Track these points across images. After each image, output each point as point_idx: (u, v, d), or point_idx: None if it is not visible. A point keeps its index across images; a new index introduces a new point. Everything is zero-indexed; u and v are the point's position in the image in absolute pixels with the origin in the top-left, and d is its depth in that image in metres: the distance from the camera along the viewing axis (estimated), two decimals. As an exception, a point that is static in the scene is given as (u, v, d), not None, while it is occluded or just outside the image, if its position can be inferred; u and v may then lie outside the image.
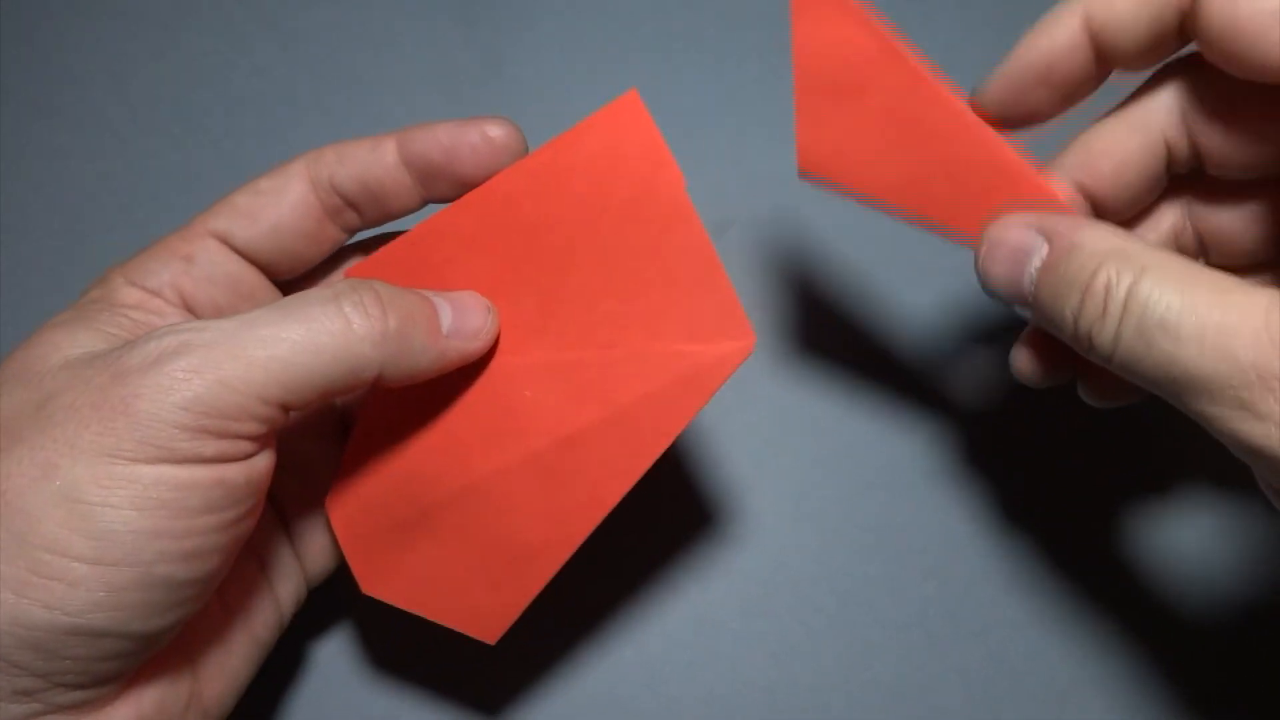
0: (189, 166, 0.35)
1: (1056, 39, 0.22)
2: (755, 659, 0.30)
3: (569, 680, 0.30)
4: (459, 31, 0.36)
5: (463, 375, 0.24)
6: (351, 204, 0.25)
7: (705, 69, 0.36)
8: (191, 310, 0.24)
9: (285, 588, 0.26)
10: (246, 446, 0.20)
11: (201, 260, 0.24)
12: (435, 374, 0.23)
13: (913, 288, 0.33)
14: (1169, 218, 0.25)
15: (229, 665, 0.24)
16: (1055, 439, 0.31)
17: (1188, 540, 0.30)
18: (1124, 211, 0.24)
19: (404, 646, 0.30)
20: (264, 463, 0.21)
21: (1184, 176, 0.24)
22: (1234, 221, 0.24)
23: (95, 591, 0.19)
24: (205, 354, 0.19)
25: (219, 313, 0.24)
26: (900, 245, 0.33)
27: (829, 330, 0.33)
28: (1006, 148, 0.23)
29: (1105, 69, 0.22)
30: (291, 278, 0.26)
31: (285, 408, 0.20)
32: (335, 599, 0.30)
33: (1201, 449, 0.28)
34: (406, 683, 0.29)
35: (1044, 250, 0.21)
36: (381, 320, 0.21)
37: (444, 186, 0.25)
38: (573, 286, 0.23)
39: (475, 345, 0.23)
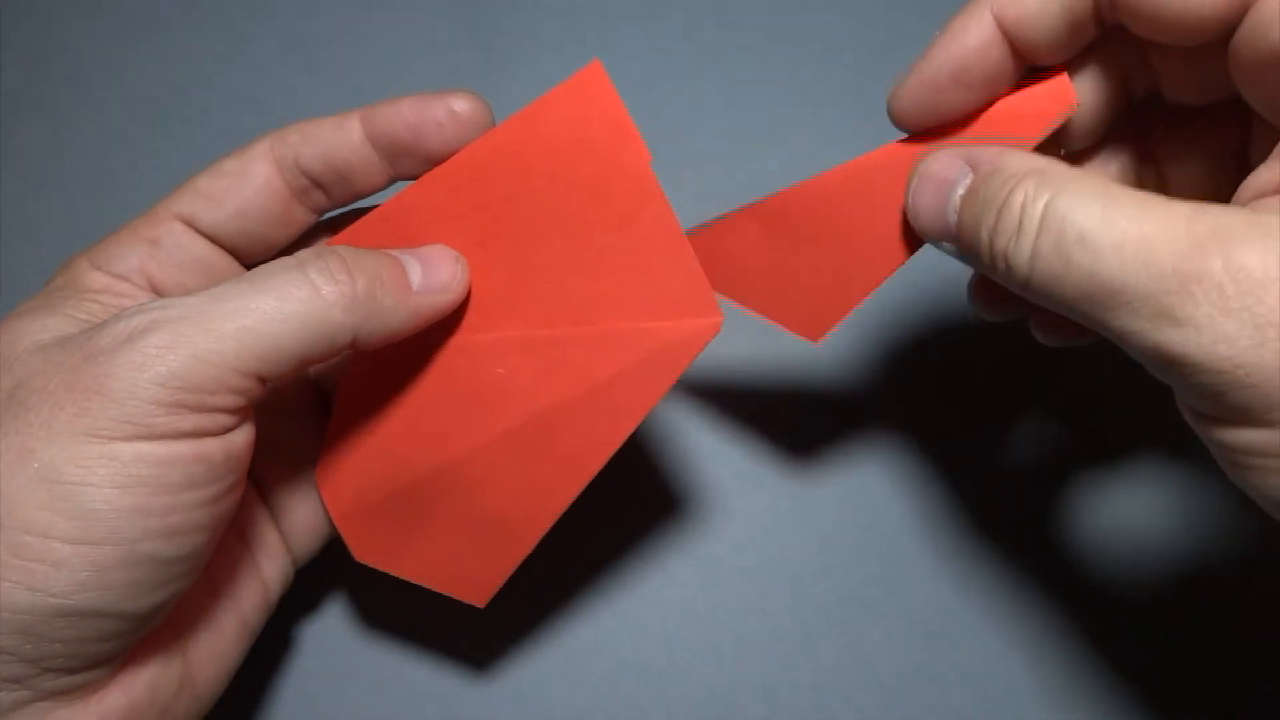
0: (189, 166, 0.35)
1: (969, 41, 0.21)
2: (755, 659, 0.30)
3: (561, 675, 0.30)
4: (459, 31, 0.36)
5: (435, 353, 0.25)
6: (318, 184, 0.25)
7: (705, 68, 0.36)
8: (159, 294, 0.24)
9: (271, 569, 0.26)
10: (225, 420, 0.20)
11: (167, 244, 0.24)
12: (411, 331, 0.23)
13: (914, 286, 0.33)
14: (1117, 161, 0.25)
15: (219, 647, 0.24)
16: (1057, 437, 0.31)
17: (1188, 540, 0.30)
18: (1084, 141, 0.24)
19: (387, 624, 0.30)
20: (243, 437, 0.21)
21: (1138, 112, 0.24)
22: (1188, 156, 0.24)
23: (80, 571, 0.19)
24: (175, 329, 0.19)
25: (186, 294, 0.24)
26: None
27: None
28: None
29: (1022, 64, 0.22)
30: (261, 260, 0.25)
31: (260, 379, 0.20)
32: (319, 580, 0.30)
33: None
34: (391, 660, 0.29)
35: (968, 179, 0.21)
36: (349, 284, 0.21)
37: (410, 163, 0.24)
38: (541, 262, 0.24)
39: (447, 298, 0.23)
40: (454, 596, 0.26)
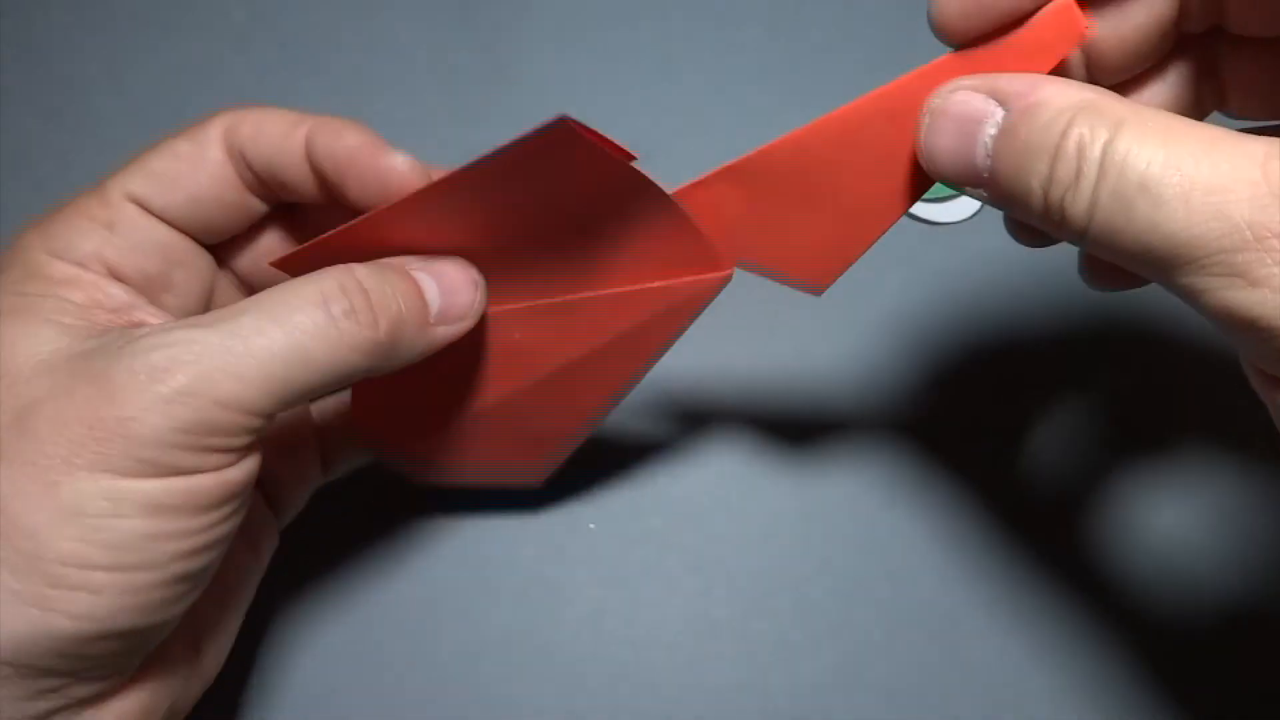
0: (189, 166, 0.35)
1: None
2: (755, 659, 0.30)
3: (562, 674, 0.30)
4: (459, 31, 0.36)
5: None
6: (262, 182, 0.24)
7: (705, 68, 0.36)
8: (120, 279, 0.23)
9: (266, 541, 0.26)
10: (243, 450, 0.20)
11: (124, 228, 0.23)
12: (420, 359, 0.23)
13: (911, 287, 0.33)
14: (1172, 86, 0.22)
15: (224, 627, 0.24)
16: (1060, 435, 0.31)
17: (1191, 540, 0.30)
18: (1125, 70, 0.22)
19: (383, 625, 0.30)
20: (257, 459, 0.21)
21: (1196, 36, 0.21)
22: (1253, 85, 0.21)
23: (120, 596, 0.19)
24: (197, 372, 0.19)
25: (149, 281, 0.23)
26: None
27: (830, 325, 0.33)
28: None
29: None
30: (218, 240, 0.25)
31: (275, 415, 0.20)
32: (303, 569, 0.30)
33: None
34: (387, 662, 0.29)
35: (999, 115, 0.18)
36: (373, 329, 0.21)
37: (348, 199, 0.23)
38: (545, 253, 0.24)
39: (463, 326, 0.23)
40: (513, 485, 0.28)
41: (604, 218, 0.23)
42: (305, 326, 0.20)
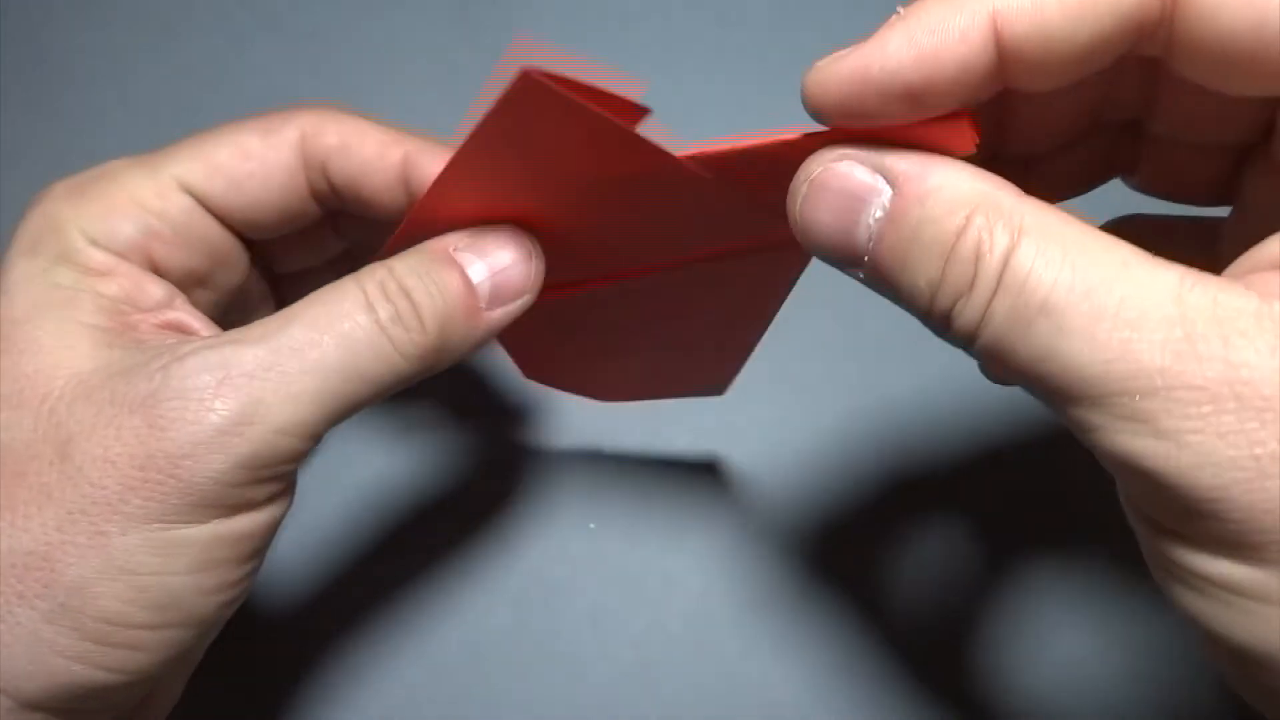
0: (189, 166, 0.35)
1: (950, 43, 0.15)
2: (754, 659, 0.30)
3: (562, 674, 0.30)
4: (459, 31, 0.36)
5: (579, 301, 0.23)
6: (339, 196, 0.23)
7: (705, 68, 0.36)
8: (160, 273, 0.21)
9: None
10: (291, 475, 0.20)
11: (174, 220, 0.21)
12: (479, 348, 0.21)
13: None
14: (1078, 153, 0.21)
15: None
16: (1055, 436, 0.31)
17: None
18: (1037, 146, 0.20)
19: (378, 630, 0.30)
20: (294, 490, 0.20)
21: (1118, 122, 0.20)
22: (1170, 168, 0.20)
23: (160, 652, 0.18)
24: (250, 396, 0.18)
25: (189, 276, 0.22)
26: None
27: (832, 325, 0.33)
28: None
29: (997, 87, 0.16)
30: (263, 238, 0.24)
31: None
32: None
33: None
34: (384, 662, 0.29)
35: (885, 196, 0.16)
36: (422, 335, 0.20)
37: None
38: (648, 219, 0.21)
39: (521, 304, 0.21)
40: (696, 393, 0.27)
41: (635, 186, 0.20)
42: (356, 336, 0.19)
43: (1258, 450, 0.13)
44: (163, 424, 0.18)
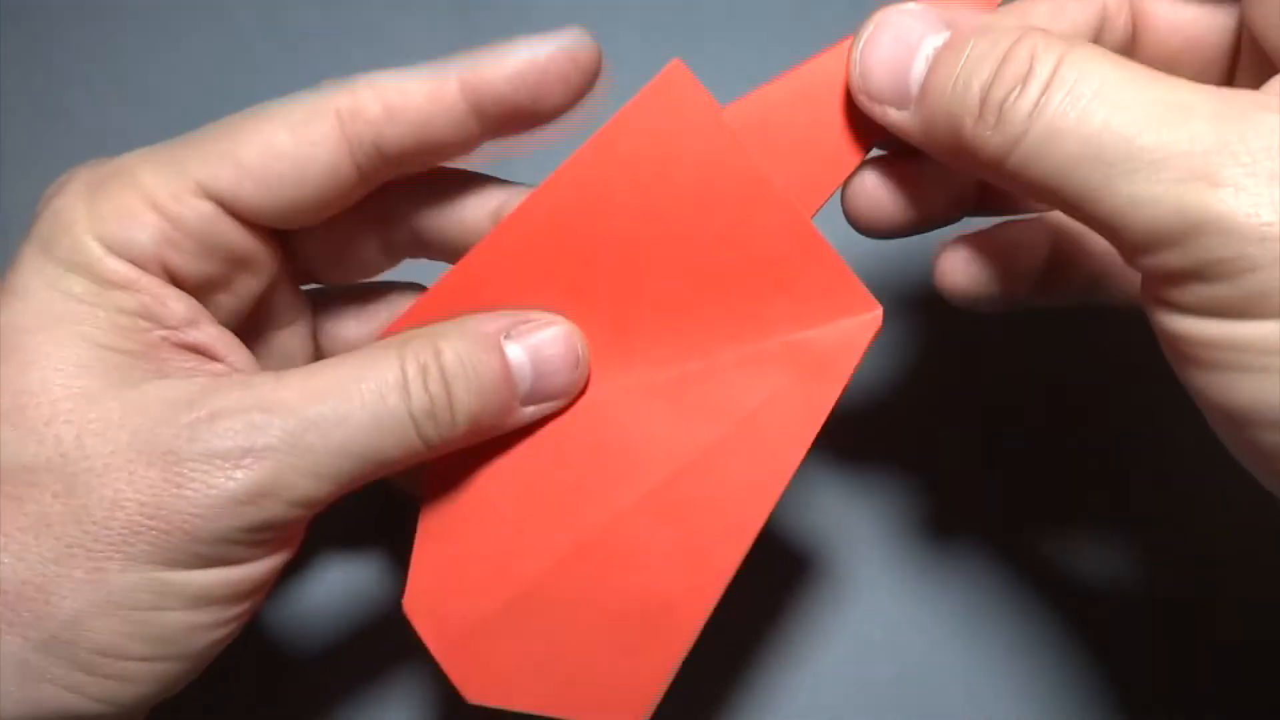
0: (189, 166, 0.35)
1: None
2: (756, 659, 0.30)
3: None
4: (459, 31, 0.36)
5: (543, 422, 0.21)
6: (399, 163, 0.20)
7: (705, 69, 0.36)
8: (177, 282, 0.20)
9: None
10: (292, 535, 0.20)
11: (193, 226, 0.20)
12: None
13: (911, 287, 0.33)
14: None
15: None
16: (1059, 437, 0.31)
17: (1194, 541, 0.30)
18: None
19: (374, 635, 0.30)
20: (297, 540, 0.20)
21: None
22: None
23: (149, 685, 0.18)
24: (272, 468, 0.18)
25: (208, 283, 0.20)
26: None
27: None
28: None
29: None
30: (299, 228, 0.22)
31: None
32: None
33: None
34: (376, 668, 0.29)
35: (943, 34, 0.18)
36: (451, 427, 0.19)
37: (519, 126, 0.20)
38: (651, 293, 0.20)
39: (555, 406, 0.21)
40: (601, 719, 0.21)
41: (715, 238, 0.20)
42: (384, 422, 0.18)
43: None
44: (180, 482, 0.17)
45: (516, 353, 0.20)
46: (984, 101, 0.16)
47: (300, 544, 0.21)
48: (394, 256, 0.24)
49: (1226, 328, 0.15)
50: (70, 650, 0.17)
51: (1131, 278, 0.19)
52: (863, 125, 0.20)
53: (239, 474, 0.17)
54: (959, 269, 0.21)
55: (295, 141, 0.20)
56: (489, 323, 0.20)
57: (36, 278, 0.19)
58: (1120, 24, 0.20)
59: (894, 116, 0.18)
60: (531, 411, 0.20)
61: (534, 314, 0.20)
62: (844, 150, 0.20)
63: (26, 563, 0.17)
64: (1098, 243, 0.20)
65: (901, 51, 0.18)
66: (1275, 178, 0.14)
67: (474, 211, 0.22)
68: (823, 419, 0.20)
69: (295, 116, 0.20)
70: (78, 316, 0.18)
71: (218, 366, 0.20)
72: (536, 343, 0.20)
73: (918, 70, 0.18)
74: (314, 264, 0.23)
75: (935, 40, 0.18)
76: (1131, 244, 0.16)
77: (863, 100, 0.19)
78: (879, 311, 0.20)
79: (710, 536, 0.20)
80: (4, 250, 0.34)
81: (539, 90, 0.20)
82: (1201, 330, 0.16)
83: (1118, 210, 0.15)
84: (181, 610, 0.18)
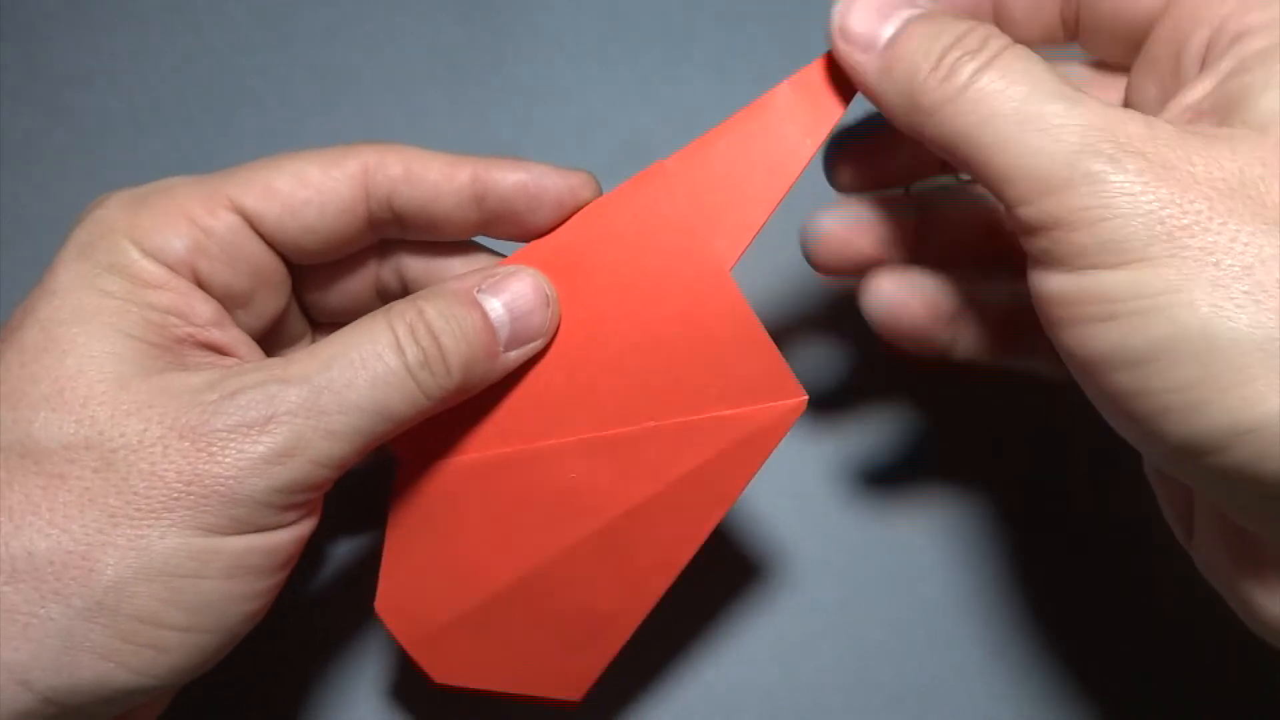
0: (189, 166, 0.35)
1: None
2: (756, 659, 0.30)
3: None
4: (459, 31, 0.36)
5: (501, 465, 0.24)
6: (402, 223, 0.24)
7: (705, 68, 0.36)
8: (204, 290, 0.22)
9: None
10: (318, 502, 0.21)
11: (222, 238, 0.22)
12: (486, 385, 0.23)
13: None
14: None
15: None
16: (1058, 441, 0.31)
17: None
18: None
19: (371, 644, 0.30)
20: (320, 511, 0.22)
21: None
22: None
23: (185, 656, 0.19)
24: (294, 430, 0.19)
25: (231, 297, 0.23)
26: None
27: (828, 325, 0.33)
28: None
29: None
30: (307, 263, 0.24)
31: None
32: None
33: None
34: (380, 673, 0.29)
35: (918, 11, 0.21)
36: (446, 377, 0.21)
37: (507, 230, 0.24)
38: (608, 358, 0.23)
39: (535, 347, 0.23)
40: (546, 696, 0.24)
41: (671, 315, 0.23)
42: (387, 380, 0.20)
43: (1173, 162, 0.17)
44: (211, 450, 0.19)
45: (491, 303, 0.22)
46: (941, 57, 0.19)
47: (320, 516, 0.22)
48: (384, 300, 0.26)
49: (1086, 280, 0.17)
50: (111, 617, 0.18)
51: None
52: (791, 159, 0.23)
53: (265, 438, 0.19)
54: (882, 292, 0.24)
55: (323, 176, 0.22)
56: (462, 282, 0.22)
57: (74, 277, 0.20)
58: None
59: (859, 58, 0.21)
60: (515, 355, 0.23)
61: (501, 268, 0.23)
62: (776, 178, 0.23)
63: (71, 535, 0.18)
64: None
65: (880, 11, 0.21)
66: (1142, 157, 0.17)
67: (460, 269, 0.24)
68: (744, 485, 0.23)
69: (328, 157, 0.23)
70: (112, 311, 0.20)
71: (234, 362, 0.22)
72: (508, 292, 0.22)
73: (890, 28, 0.21)
74: (312, 305, 0.26)
75: (908, 12, 0.21)
76: (1019, 193, 0.18)
77: (838, 41, 0.22)
78: (804, 399, 0.22)
79: (643, 570, 0.23)
80: (4, 250, 0.34)
81: (535, 204, 0.23)
82: (1065, 286, 0.18)
83: (1018, 160, 0.18)
84: (218, 579, 0.19)
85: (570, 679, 0.24)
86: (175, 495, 0.19)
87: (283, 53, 0.36)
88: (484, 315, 0.22)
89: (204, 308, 0.22)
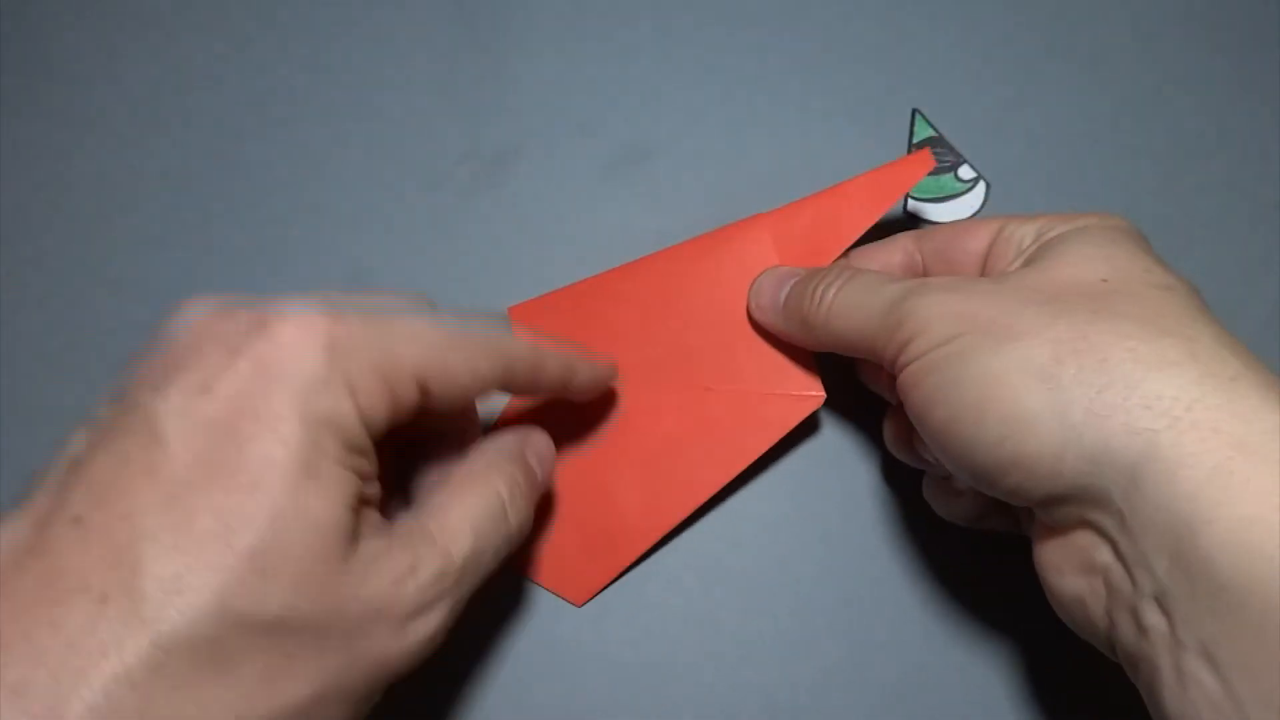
0: (189, 166, 0.35)
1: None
2: (755, 659, 0.30)
3: (567, 683, 0.30)
4: (459, 31, 0.36)
5: (602, 402, 0.31)
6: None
7: (705, 68, 0.36)
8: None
9: None
10: None
11: (403, 409, 0.22)
12: None
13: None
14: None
15: None
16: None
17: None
18: None
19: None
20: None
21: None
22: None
23: None
24: (451, 608, 0.23)
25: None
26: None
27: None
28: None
29: None
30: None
31: None
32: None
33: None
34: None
35: (797, 276, 0.29)
36: (521, 532, 0.25)
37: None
38: (688, 347, 0.31)
39: (549, 484, 0.28)
40: (557, 593, 0.30)
41: (737, 328, 0.30)
42: (503, 547, 0.24)
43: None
44: (403, 634, 0.21)
45: (534, 462, 0.26)
46: (812, 294, 0.27)
47: None
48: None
49: (912, 370, 0.24)
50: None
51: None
52: (851, 227, 0.30)
53: (434, 615, 0.22)
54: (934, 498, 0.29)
55: (488, 369, 0.24)
56: (519, 447, 0.26)
57: (296, 425, 0.19)
58: (917, 259, 0.29)
59: (770, 316, 0.29)
60: (542, 483, 0.27)
61: (535, 433, 0.27)
62: (838, 240, 0.30)
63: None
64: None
65: (775, 284, 0.29)
66: (941, 290, 0.24)
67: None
68: (760, 451, 0.30)
69: (490, 351, 0.24)
70: (329, 476, 0.20)
71: (377, 517, 0.22)
72: (539, 449, 0.27)
73: (783, 292, 0.29)
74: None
75: (791, 280, 0.29)
76: (887, 342, 0.25)
77: (753, 310, 0.30)
78: (822, 395, 0.30)
79: (665, 499, 0.30)
80: (4, 250, 0.34)
81: (563, 394, 0.28)
82: (905, 377, 0.24)
83: (868, 323, 0.25)
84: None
85: (580, 584, 0.30)
86: (370, 673, 0.20)
87: (283, 53, 0.36)
88: (535, 473, 0.26)
89: (376, 484, 0.22)
